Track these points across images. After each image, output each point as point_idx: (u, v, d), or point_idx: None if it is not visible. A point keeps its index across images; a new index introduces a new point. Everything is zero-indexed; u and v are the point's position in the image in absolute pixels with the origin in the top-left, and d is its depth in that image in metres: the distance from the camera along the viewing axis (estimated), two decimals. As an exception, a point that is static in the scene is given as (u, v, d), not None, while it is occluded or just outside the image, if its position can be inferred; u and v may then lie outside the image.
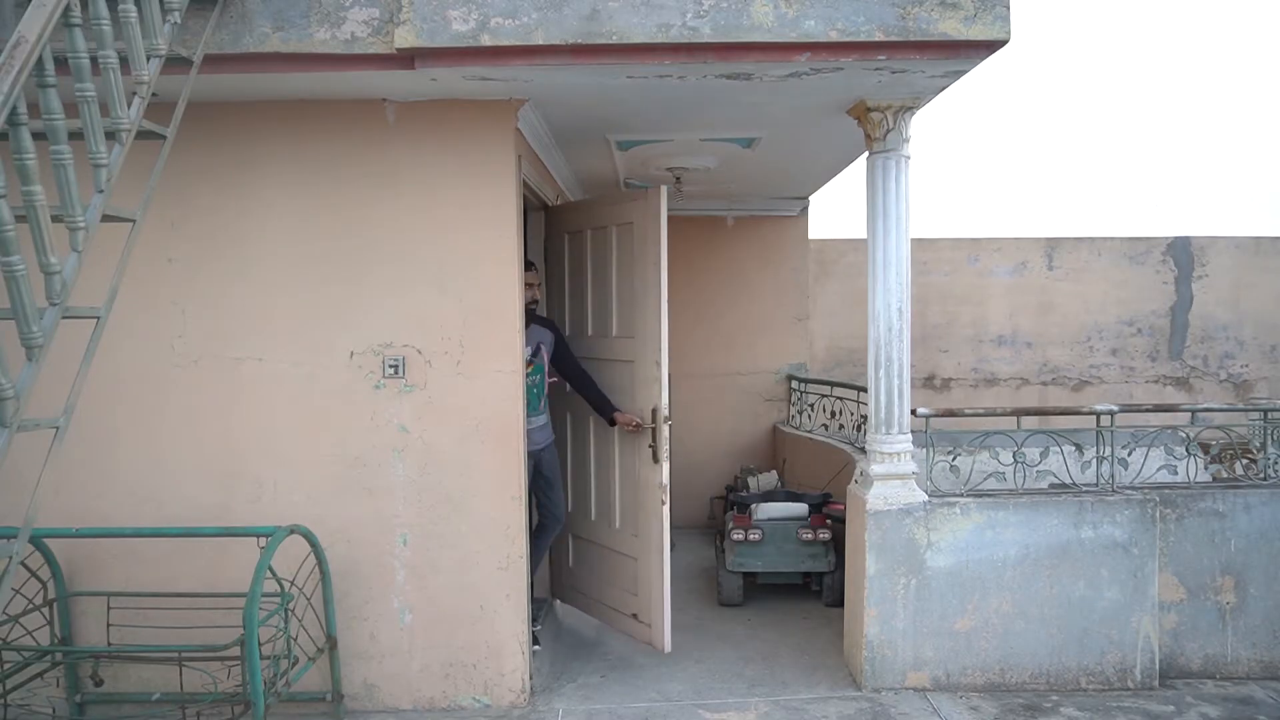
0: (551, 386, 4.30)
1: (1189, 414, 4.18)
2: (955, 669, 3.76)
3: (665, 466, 3.88)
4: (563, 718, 3.54)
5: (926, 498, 3.75)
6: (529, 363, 3.97)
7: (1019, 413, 3.94)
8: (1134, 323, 8.35)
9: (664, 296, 3.92)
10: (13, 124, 2.06)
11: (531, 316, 4.05)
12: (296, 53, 2.99)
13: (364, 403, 3.54)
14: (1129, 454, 3.97)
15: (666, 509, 3.92)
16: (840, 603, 4.35)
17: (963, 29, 2.94)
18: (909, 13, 2.93)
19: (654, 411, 3.90)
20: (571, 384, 4.30)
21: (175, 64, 2.77)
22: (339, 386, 3.54)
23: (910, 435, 3.81)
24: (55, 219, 2.20)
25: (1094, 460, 3.91)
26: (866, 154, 3.78)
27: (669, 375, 3.95)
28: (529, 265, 4.00)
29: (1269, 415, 4.08)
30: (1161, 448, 4.22)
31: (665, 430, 3.88)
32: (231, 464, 3.53)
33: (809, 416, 6.58)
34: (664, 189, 3.89)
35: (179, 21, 2.72)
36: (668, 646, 3.98)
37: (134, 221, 2.47)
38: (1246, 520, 3.89)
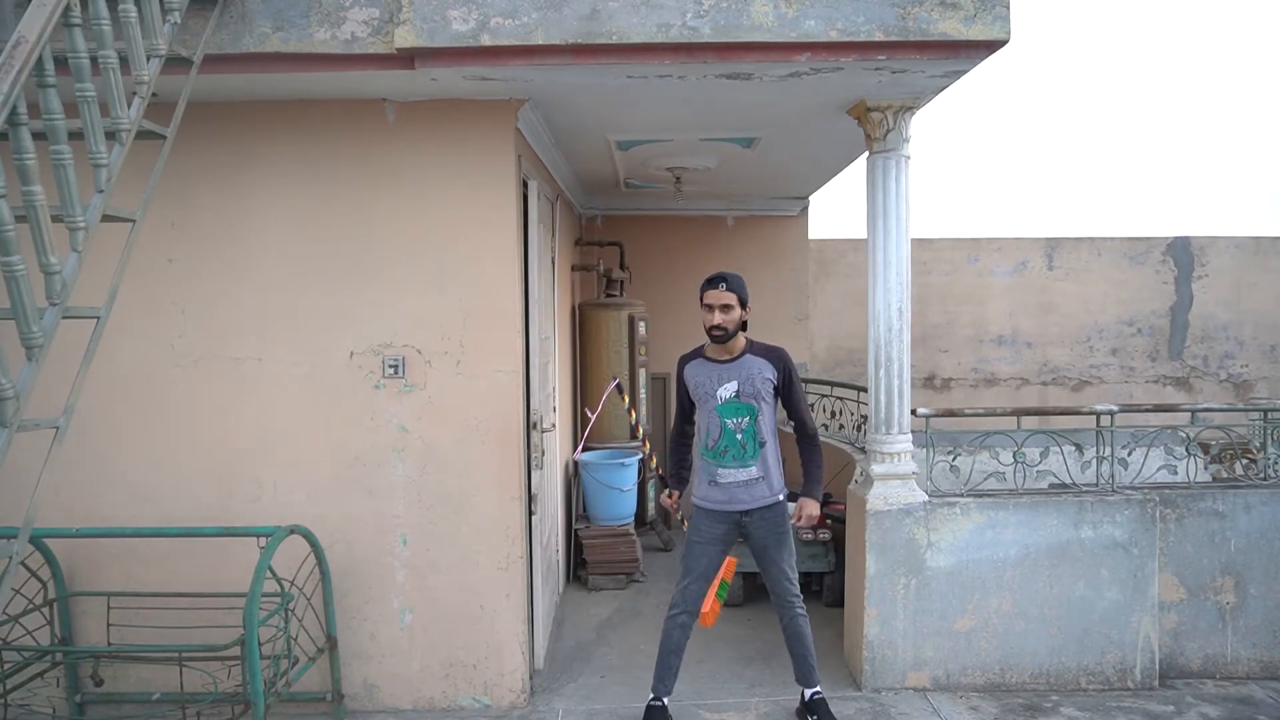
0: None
1: (1189, 414, 4.18)
2: (955, 669, 3.76)
3: (538, 475, 3.91)
4: (563, 718, 3.54)
5: (926, 498, 3.75)
6: (730, 400, 3.22)
7: (1019, 413, 3.94)
8: (1134, 323, 8.35)
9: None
10: (13, 124, 2.06)
11: (748, 345, 3.27)
12: (296, 53, 2.99)
13: (364, 403, 3.54)
14: (1129, 454, 3.97)
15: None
16: (840, 603, 4.35)
17: (962, 29, 2.94)
18: (909, 13, 2.93)
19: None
20: (795, 429, 3.42)
21: (175, 64, 2.77)
22: (339, 386, 3.54)
23: (910, 435, 3.81)
24: (55, 219, 2.20)
25: (1094, 460, 3.91)
26: (866, 154, 3.78)
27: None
28: (718, 281, 3.18)
29: (1269, 415, 4.08)
30: (1161, 448, 4.22)
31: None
32: (231, 464, 3.53)
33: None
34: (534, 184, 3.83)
35: (179, 21, 2.72)
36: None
37: (134, 221, 2.47)
38: (1246, 520, 3.89)
